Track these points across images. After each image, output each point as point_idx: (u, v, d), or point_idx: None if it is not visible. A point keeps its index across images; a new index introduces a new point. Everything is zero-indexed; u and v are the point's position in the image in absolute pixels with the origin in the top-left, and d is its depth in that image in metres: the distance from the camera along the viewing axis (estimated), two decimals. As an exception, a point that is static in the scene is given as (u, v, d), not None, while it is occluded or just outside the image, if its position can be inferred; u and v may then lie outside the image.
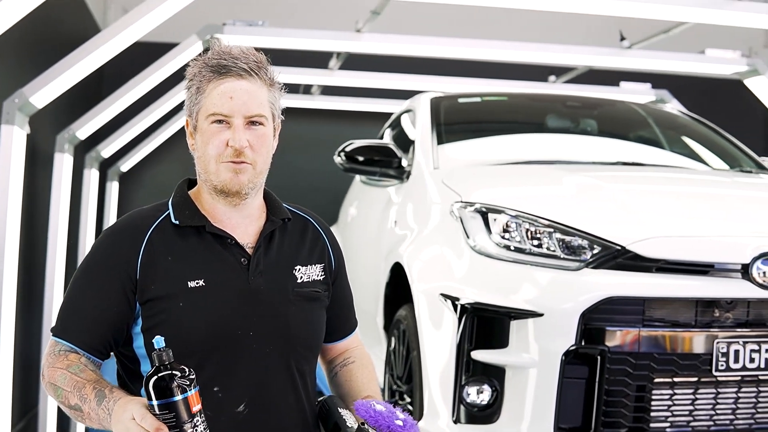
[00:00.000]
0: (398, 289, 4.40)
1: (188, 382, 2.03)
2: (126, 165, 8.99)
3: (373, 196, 5.40)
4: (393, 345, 4.24)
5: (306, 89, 9.28)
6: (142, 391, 2.07)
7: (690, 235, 3.61)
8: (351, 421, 2.36)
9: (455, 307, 3.60)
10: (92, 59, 4.60)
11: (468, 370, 3.55)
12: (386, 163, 4.76)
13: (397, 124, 5.90)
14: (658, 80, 8.78)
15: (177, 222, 2.36)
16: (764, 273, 3.46)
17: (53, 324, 2.36)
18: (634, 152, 5.12)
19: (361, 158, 4.74)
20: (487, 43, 7.10)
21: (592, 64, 7.84)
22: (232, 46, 2.37)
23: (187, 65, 2.40)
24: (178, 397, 2.01)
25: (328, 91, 9.32)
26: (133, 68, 6.45)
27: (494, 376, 3.53)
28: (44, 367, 2.30)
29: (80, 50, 4.56)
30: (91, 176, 7.63)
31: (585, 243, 3.55)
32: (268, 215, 2.46)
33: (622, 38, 6.95)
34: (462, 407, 3.56)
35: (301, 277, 2.44)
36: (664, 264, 3.47)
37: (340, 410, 2.40)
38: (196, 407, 2.03)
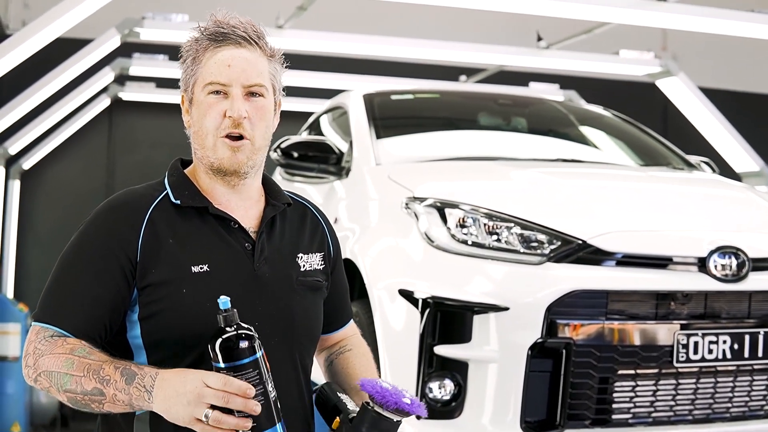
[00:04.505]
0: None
1: (259, 339, 1.97)
2: (28, 162, 8.67)
3: (305, 193, 5.34)
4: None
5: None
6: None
7: (648, 230, 3.68)
8: (351, 404, 2.29)
9: (416, 302, 3.58)
10: (12, 57, 4.50)
11: (430, 365, 3.53)
12: (323, 159, 4.72)
13: (316, 125, 5.85)
14: (566, 82, 8.94)
15: (178, 202, 2.23)
16: (720, 266, 3.55)
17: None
18: (569, 149, 5.18)
19: (296, 154, 4.70)
20: (402, 42, 7.12)
21: (506, 64, 7.94)
22: (230, 16, 2.24)
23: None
24: (260, 353, 1.95)
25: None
26: (48, 64, 6.28)
27: (456, 370, 3.52)
28: (31, 356, 2.10)
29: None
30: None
31: (544, 237, 3.57)
32: (268, 199, 2.35)
33: (539, 38, 7.05)
34: (424, 403, 3.53)
35: (304, 265, 2.34)
36: (625, 258, 3.53)
37: (339, 394, 2.34)
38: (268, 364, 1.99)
